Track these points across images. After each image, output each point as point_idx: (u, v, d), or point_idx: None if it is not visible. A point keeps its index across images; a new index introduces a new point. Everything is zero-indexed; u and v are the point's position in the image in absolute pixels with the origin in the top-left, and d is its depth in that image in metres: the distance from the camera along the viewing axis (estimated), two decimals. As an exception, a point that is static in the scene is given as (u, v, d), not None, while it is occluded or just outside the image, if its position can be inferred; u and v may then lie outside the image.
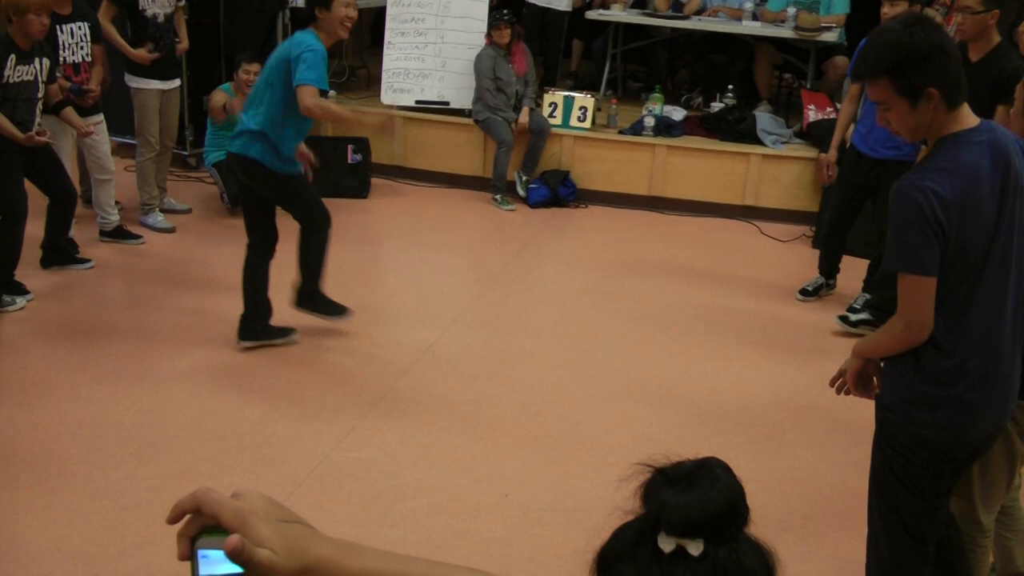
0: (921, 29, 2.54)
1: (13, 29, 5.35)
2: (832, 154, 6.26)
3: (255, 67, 7.24)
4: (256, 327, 5.24)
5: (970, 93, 5.07)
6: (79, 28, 6.08)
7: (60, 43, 5.95)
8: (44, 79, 5.58)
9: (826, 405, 4.87)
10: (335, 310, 5.43)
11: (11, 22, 5.35)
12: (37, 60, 5.51)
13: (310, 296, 5.34)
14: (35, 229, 5.90)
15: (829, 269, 6.36)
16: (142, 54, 6.44)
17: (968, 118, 2.62)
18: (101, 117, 6.39)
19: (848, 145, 6.08)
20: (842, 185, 6.09)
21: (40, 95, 5.57)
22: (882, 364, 2.82)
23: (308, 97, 4.70)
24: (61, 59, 5.98)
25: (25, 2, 5.29)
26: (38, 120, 5.58)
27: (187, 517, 1.05)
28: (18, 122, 5.43)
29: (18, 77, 5.41)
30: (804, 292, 6.37)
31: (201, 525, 1.04)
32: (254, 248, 5.18)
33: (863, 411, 2.82)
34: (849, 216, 6.10)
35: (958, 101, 2.58)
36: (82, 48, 6.13)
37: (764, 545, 1.18)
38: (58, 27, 5.93)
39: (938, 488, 2.80)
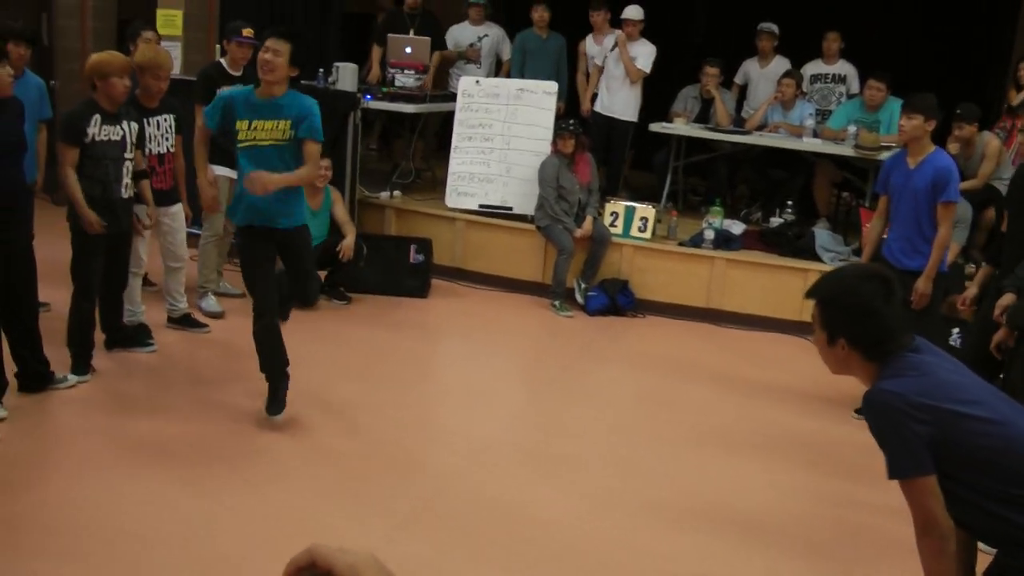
0: (869, 285, 2.75)
1: (98, 93, 5.61)
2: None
3: (326, 163, 7.46)
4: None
5: None
6: (164, 120, 6.36)
7: (147, 135, 6.21)
8: (133, 141, 5.80)
9: (880, 524, 4.81)
10: None
11: (95, 88, 5.61)
12: (125, 122, 5.74)
13: None
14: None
15: None
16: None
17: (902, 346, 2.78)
18: (180, 207, 6.62)
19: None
20: None
21: (129, 155, 5.77)
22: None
23: None
24: (147, 150, 6.23)
25: (107, 66, 5.57)
26: (127, 181, 5.77)
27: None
28: (110, 180, 5.65)
29: (104, 136, 5.62)
30: (860, 412, 6.30)
31: None
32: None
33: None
34: None
35: (882, 356, 2.75)
36: (167, 139, 6.40)
37: None
38: (145, 120, 6.18)
39: None
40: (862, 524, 4.88)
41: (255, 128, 5.11)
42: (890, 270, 5.78)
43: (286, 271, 5.48)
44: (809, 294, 2.88)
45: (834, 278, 2.86)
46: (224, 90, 5.10)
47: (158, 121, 6.30)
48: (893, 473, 2.67)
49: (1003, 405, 2.70)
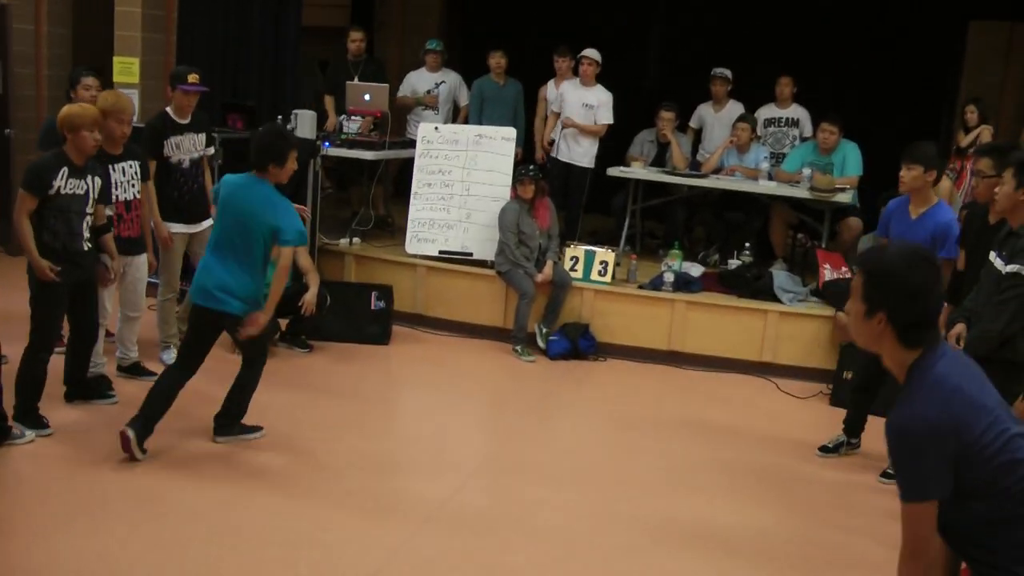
0: (920, 268, 2.74)
1: (68, 146, 5.57)
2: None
3: None
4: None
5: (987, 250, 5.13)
6: (130, 167, 6.33)
7: (113, 182, 6.17)
8: (95, 196, 5.75)
9: (852, 559, 4.83)
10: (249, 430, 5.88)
11: (65, 140, 5.56)
12: (90, 177, 5.70)
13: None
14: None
15: (853, 427, 6.33)
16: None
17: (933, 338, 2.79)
18: (145, 257, 6.58)
19: None
20: None
21: (90, 210, 5.73)
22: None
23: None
24: (114, 197, 6.19)
25: (79, 119, 5.54)
26: (87, 235, 5.73)
27: None
28: (72, 232, 5.61)
29: (69, 190, 5.57)
30: (824, 449, 6.35)
31: None
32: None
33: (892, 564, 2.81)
34: (879, 376, 5.98)
35: (916, 343, 2.75)
36: (133, 186, 6.36)
37: None
38: (111, 167, 6.16)
39: None
40: (832, 563, 4.89)
41: None
42: None
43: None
44: (858, 263, 2.87)
45: (886, 252, 2.84)
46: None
47: (123, 167, 6.27)
48: (910, 495, 2.66)
49: (1010, 418, 2.73)
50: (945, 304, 6.01)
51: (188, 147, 6.95)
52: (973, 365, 2.86)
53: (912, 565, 2.67)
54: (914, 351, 2.75)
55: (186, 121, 6.93)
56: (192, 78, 6.84)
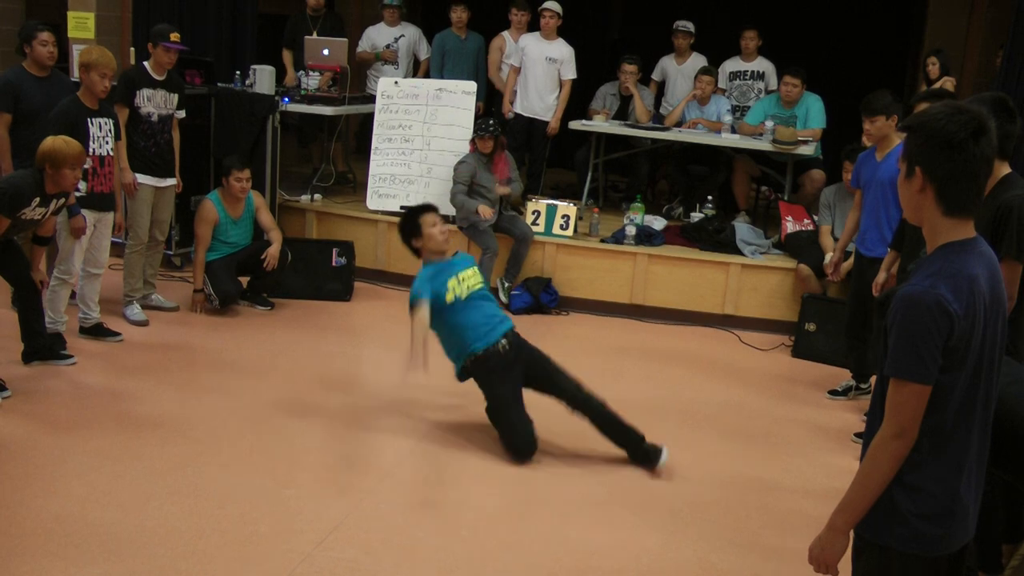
0: (959, 119, 2.50)
1: (48, 179, 5.55)
2: (838, 255, 6.67)
3: (246, 173, 7.39)
4: None
5: None
6: (105, 123, 6.38)
7: (90, 135, 6.22)
8: (53, 211, 5.81)
9: (806, 508, 4.88)
10: None
11: (44, 171, 5.53)
12: (54, 202, 5.73)
13: None
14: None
15: (858, 371, 6.54)
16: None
17: (971, 229, 2.59)
18: (112, 216, 6.59)
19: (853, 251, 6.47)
20: (853, 290, 6.39)
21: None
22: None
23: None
24: (90, 151, 6.22)
25: (61, 156, 5.52)
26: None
27: None
28: (11, 238, 5.77)
29: (31, 216, 5.62)
30: (834, 392, 6.61)
31: None
32: None
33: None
34: (862, 318, 6.27)
35: (955, 209, 2.54)
36: (107, 142, 6.41)
37: None
38: (89, 120, 6.22)
39: None
40: (788, 510, 4.94)
41: (462, 280, 5.62)
42: (863, 260, 6.07)
43: None
44: (903, 124, 2.67)
45: (931, 107, 2.62)
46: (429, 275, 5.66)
47: (100, 122, 6.33)
48: (908, 375, 2.50)
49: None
50: (888, 250, 6.10)
51: (159, 102, 7.05)
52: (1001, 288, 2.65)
53: (896, 444, 2.55)
54: (954, 224, 2.55)
55: (162, 78, 7.05)
56: (174, 36, 6.94)
